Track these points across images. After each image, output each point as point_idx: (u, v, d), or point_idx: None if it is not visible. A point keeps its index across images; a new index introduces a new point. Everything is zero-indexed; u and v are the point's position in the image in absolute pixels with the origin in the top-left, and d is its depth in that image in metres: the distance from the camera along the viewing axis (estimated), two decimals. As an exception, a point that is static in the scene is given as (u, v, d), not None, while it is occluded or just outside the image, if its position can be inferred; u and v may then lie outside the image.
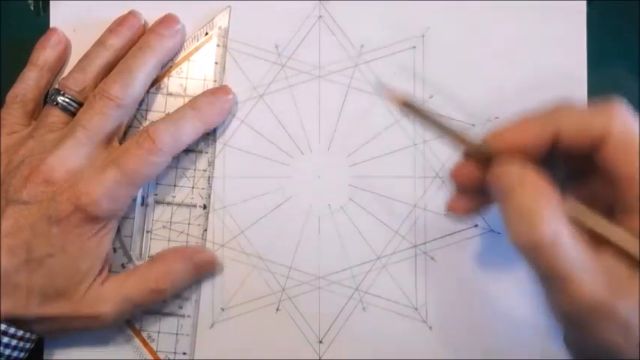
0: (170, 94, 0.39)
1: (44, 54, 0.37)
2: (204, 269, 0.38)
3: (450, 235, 0.39)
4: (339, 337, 0.38)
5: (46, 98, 0.37)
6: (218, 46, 0.39)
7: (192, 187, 0.39)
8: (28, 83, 0.37)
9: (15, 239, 0.32)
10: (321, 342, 0.38)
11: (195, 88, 0.39)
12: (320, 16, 0.40)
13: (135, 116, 0.38)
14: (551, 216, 0.25)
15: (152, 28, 0.37)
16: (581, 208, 0.27)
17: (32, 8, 0.40)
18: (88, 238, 0.34)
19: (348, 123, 0.39)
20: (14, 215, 0.33)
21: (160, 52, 0.37)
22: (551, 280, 0.26)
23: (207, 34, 0.39)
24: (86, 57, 0.37)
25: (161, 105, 0.39)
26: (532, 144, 0.27)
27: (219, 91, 0.38)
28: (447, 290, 0.39)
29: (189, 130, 0.36)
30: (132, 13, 0.38)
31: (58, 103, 0.35)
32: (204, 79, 0.39)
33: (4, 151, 0.35)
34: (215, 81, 0.39)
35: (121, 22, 0.37)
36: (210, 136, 0.39)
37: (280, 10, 0.40)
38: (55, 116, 0.35)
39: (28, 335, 0.34)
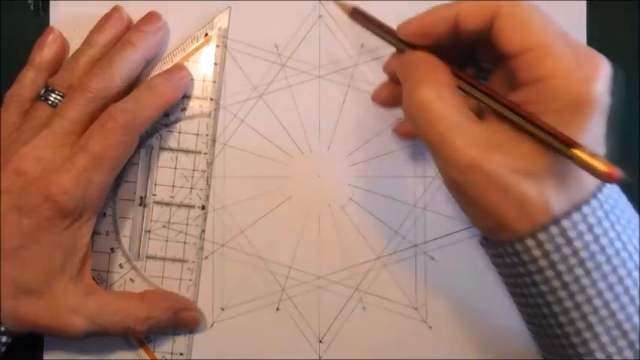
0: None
1: (41, 54, 0.38)
2: (186, 325, 0.38)
3: (449, 235, 0.39)
4: (339, 337, 0.38)
5: None
6: (218, 46, 0.39)
7: (191, 188, 0.39)
8: (25, 83, 0.37)
9: None
10: (321, 342, 0.38)
11: (195, 89, 0.39)
12: (320, 16, 0.40)
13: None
14: (431, 86, 0.29)
15: (135, 25, 0.38)
16: (468, 82, 0.30)
17: (32, 8, 0.40)
18: (61, 231, 0.33)
19: (348, 123, 0.39)
20: None
21: (142, 48, 0.37)
22: (432, 140, 0.29)
23: (207, 34, 0.39)
24: (73, 56, 0.37)
25: (161, 105, 0.39)
26: (434, 28, 0.30)
27: (174, 68, 0.38)
28: (447, 290, 0.39)
29: (147, 107, 0.36)
30: (116, 9, 0.38)
31: (47, 100, 0.36)
32: (204, 80, 0.39)
33: None
34: (214, 81, 0.39)
35: (105, 19, 0.38)
36: (209, 136, 0.39)
37: (280, 10, 0.40)
38: (43, 112, 0.35)
39: (2, 329, 0.33)
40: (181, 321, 0.37)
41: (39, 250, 0.33)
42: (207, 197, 0.39)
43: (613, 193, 0.29)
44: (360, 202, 0.39)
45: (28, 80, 0.37)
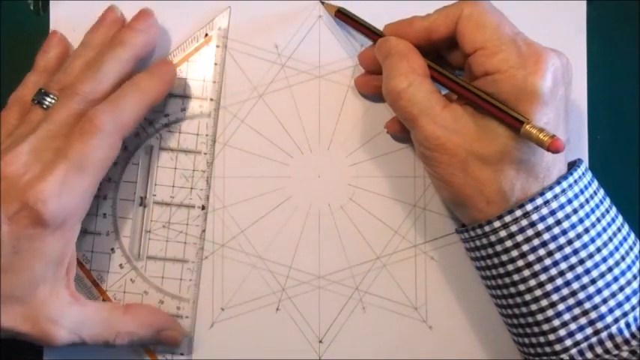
0: (169, 96, 0.39)
1: (45, 58, 0.37)
2: (166, 344, 0.37)
3: (449, 235, 0.39)
4: (339, 337, 0.38)
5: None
6: (218, 46, 0.39)
7: (191, 188, 0.39)
8: (27, 86, 0.37)
9: None
10: (321, 342, 0.38)
11: (195, 89, 0.39)
12: (320, 16, 0.40)
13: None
14: (404, 75, 0.33)
15: (127, 23, 0.38)
16: (437, 70, 0.34)
17: (32, 8, 0.40)
18: (41, 240, 0.32)
19: (348, 123, 0.39)
20: None
21: (133, 46, 0.36)
22: (407, 122, 0.34)
23: (207, 35, 0.39)
24: (69, 58, 0.37)
25: (160, 106, 0.39)
26: (412, 30, 0.35)
27: (158, 64, 0.37)
28: (447, 290, 0.39)
29: (130, 106, 0.34)
30: (110, 9, 0.38)
31: (41, 103, 0.35)
32: (204, 80, 0.39)
33: None
34: (215, 82, 0.39)
35: (100, 20, 0.38)
36: (209, 137, 0.39)
37: (280, 10, 0.40)
38: (36, 115, 0.35)
39: None
40: (162, 339, 0.37)
41: (19, 259, 0.32)
42: (208, 197, 0.39)
43: (581, 180, 0.32)
44: (360, 202, 0.39)
45: (31, 83, 0.37)
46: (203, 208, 0.39)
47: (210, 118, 0.39)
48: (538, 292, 0.32)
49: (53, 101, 0.35)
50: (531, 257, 0.31)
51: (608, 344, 0.31)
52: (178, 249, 0.39)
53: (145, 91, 0.35)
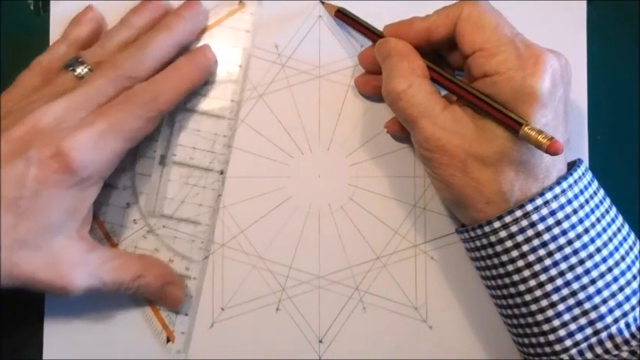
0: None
1: (77, 30, 0.38)
2: (168, 300, 0.38)
3: (450, 235, 0.39)
4: (339, 337, 0.38)
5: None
6: (251, 14, 0.39)
7: (212, 152, 0.39)
8: (55, 54, 0.37)
9: None
10: (321, 342, 0.38)
11: (223, 54, 0.39)
12: (320, 16, 0.40)
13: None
14: (403, 76, 0.33)
15: (175, 9, 0.38)
16: (436, 71, 0.34)
17: (32, 8, 0.40)
18: (64, 189, 0.33)
19: (348, 123, 0.39)
20: None
21: (178, 33, 0.37)
22: (407, 123, 0.34)
23: (240, 1, 0.39)
24: (107, 34, 0.37)
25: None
26: (412, 31, 0.35)
27: (199, 50, 0.38)
28: (447, 290, 0.39)
29: (170, 89, 0.36)
30: None
31: (74, 70, 0.36)
32: (233, 47, 0.39)
33: (9, 100, 0.35)
34: (244, 48, 0.39)
35: (143, 3, 0.38)
36: (234, 102, 0.39)
37: (280, 10, 0.40)
38: (68, 80, 0.36)
39: None
40: (165, 295, 0.37)
41: (38, 203, 0.32)
42: (227, 162, 0.39)
43: (581, 181, 0.32)
44: (360, 202, 0.39)
45: (59, 53, 0.37)
46: (221, 172, 0.39)
47: (237, 84, 0.39)
48: (538, 293, 0.32)
49: (86, 70, 0.36)
50: (531, 257, 0.31)
51: (608, 344, 0.31)
52: (193, 210, 0.39)
53: (184, 76, 0.37)
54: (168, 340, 0.38)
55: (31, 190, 0.32)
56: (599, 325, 0.31)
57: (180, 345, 0.38)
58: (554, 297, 0.31)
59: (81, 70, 0.36)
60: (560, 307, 0.31)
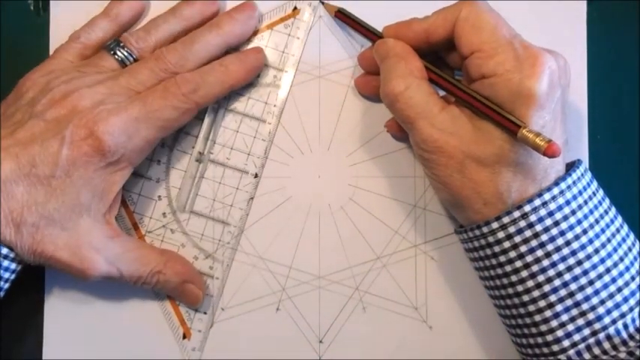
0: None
1: (120, 7, 0.38)
2: (187, 298, 0.38)
3: (449, 235, 0.39)
4: (339, 337, 0.38)
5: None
6: (304, 21, 0.39)
7: (249, 154, 0.39)
8: (95, 30, 0.37)
9: (24, 150, 0.32)
10: (321, 342, 0.38)
11: (272, 58, 0.39)
12: (320, 16, 0.40)
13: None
14: (401, 77, 0.33)
15: (228, 10, 0.38)
16: (435, 72, 0.34)
17: (32, 8, 0.40)
18: (94, 170, 0.33)
19: (348, 123, 0.39)
20: (32, 129, 0.33)
21: (228, 34, 0.37)
22: (405, 124, 0.34)
23: (295, 8, 0.39)
24: (154, 20, 0.37)
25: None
26: (411, 32, 0.35)
27: (249, 51, 0.38)
28: (447, 290, 0.39)
29: (213, 84, 0.36)
30: None
31: (115, 53, 0.36)
32: (283, 52, 0.39)
33: (46, 73, 0.35)
34: (293, 55, 0.39)
35: None
36: (276, 107, 0.39)
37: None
38: (108, 63, 0.36)
39: (12, 255, 0.33)
40: (184, 292, 0.37)
41: (68, 183, 0.33)
42: (263, 166, 0.39)
43: (580, 182, 0.32)
44: (360, 202, 0.39)
45: (99, 28, 0.37)
46: (256, 175, 0.39)
47: (281, 89, 0.39)
48: (536, 293, 0.32)
49: (126, 54, 0.36)
50: (529, 258, 0.32)
51: (606, 345, 0.31)
52: (223, 211, 0.39)
53: (230, 74, 0.37)
54: (184, 337, 0.38)
55: (63, 170, 0.33)
56: (597, 326, 0.31)
57: (197, 343, 0.38)
58: (552, 298, 0.31)
59: (121, 53, 0.36)
60: (558, 307, 0.31)
